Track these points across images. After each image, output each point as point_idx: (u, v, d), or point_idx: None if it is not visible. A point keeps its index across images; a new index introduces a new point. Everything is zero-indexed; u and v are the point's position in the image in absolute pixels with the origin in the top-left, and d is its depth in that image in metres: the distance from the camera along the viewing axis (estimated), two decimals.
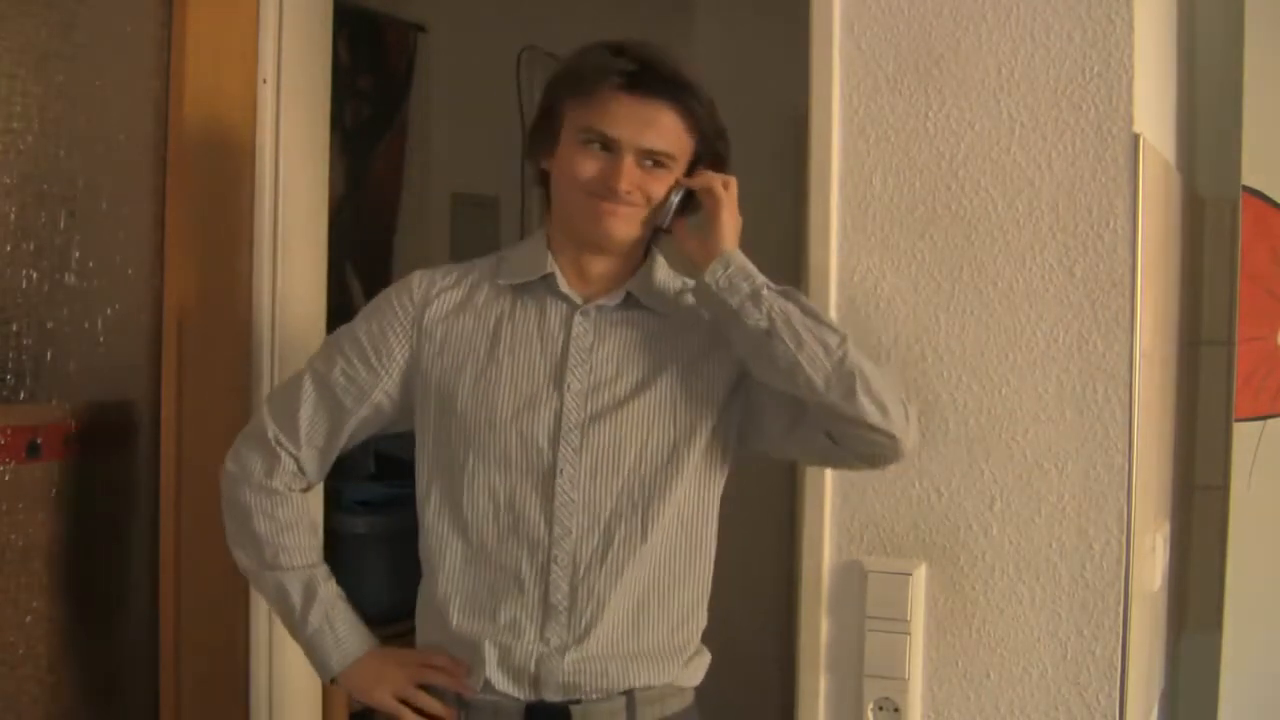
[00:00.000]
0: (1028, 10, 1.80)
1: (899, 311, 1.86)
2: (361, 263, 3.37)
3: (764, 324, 1.63)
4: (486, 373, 1.70)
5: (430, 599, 1.74)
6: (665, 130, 1.67)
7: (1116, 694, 1.77)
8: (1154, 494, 2.01)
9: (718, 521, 1.76)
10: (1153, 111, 1.94)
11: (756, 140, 3.49)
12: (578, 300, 1.72)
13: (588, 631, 1.67)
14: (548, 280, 1.73)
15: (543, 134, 1.73)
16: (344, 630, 1.76)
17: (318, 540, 1.84)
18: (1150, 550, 1.99)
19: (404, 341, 1.74)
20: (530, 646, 1.67)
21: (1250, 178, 2.28)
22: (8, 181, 1.87)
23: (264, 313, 2.17)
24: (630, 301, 1.74)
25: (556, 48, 3.38)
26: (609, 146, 1.66)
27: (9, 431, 1.87)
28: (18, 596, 1.90)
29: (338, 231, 2.41)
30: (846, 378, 1.61)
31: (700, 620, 1.77)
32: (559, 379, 1.70)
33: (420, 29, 3.56)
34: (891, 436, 1.64)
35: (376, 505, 2.62)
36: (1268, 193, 2.27)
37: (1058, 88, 1.79)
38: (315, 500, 2.17)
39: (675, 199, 1.69)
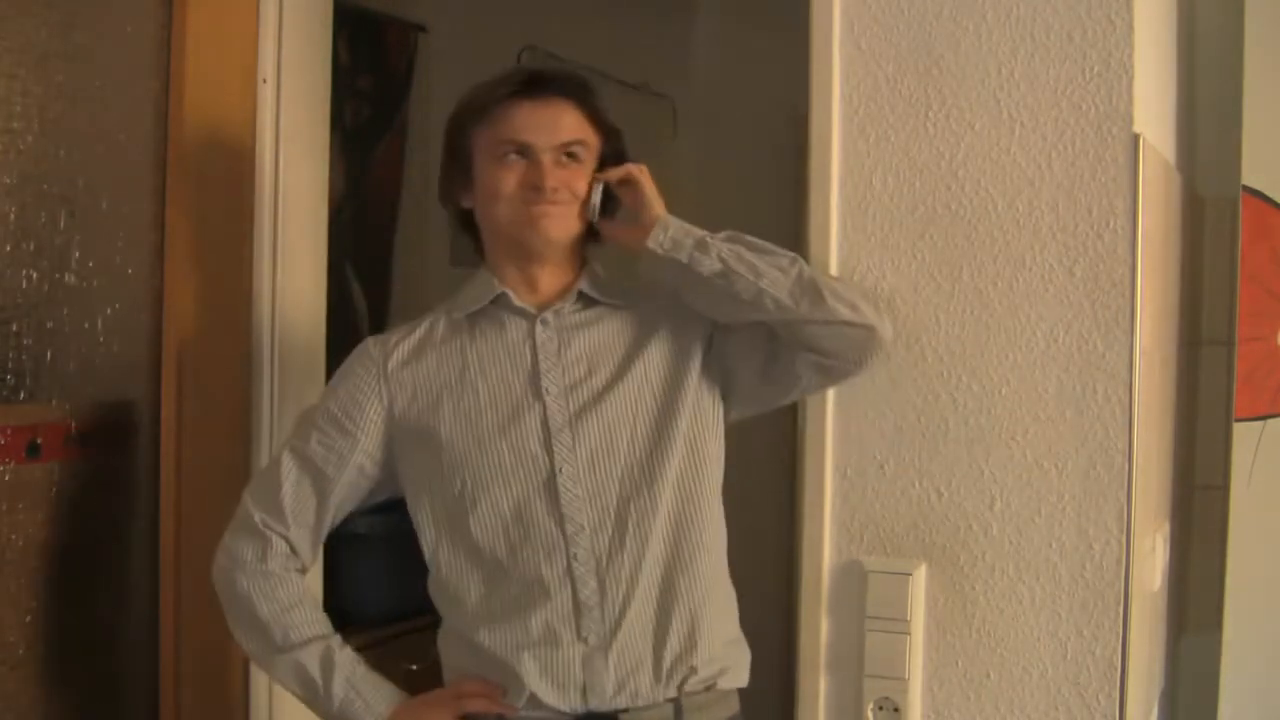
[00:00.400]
0: (1028, 10, 1.80)
1: (899, 311, 1.85)
2: (361, 263, 3.37)
3: (717, 265, 1.70)
4: (464, 399, 1.74)
5: (458, 634, 1.74)
6: (571, 123, 1.73)
7: (1116, 694, 1.77)
8: (1154, 494, 2.01)
9: (721, 474, 1.79)
10: (1153, 111, 1.94)
11: (757, 140, 3.50)
12: (533, 311, 1.77)
13: (621, 618, 1.69)
14: (500, 301, 1.77)
15: (455, 174, 1.79)
16: (370, 693, 1.74)
17: (323, 615, 1.81)
18: (1150, 550, 1.99)
19: (374, 399, 1.77)
20: (571, 650, 1.68)
21: (1250, 178, 2.27)
22: (8, 181, 1.87)
23: (264, 313, 2.17)
24: (584, 300, 1.79)
25: (556, 48, 3.38)
26: (524, 153, 1.72)
27: (9, 431, 1.87)
28: (18, 596, 1.90)
29: (338, 231, 2.41)
30: (809, 286, 1.70)
31: (731, 599, 1.80)
32: (536, 387, 1.73)
33: (420, 29, 3.56)
34: (868, 326, 1.71)
35: (377, 505, 2.62)
36: (1268, 193, 2.27)
37: (1058, 88, 1.79)
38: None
39: (597, 193, 1.75)
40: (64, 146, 1.96)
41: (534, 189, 1.70)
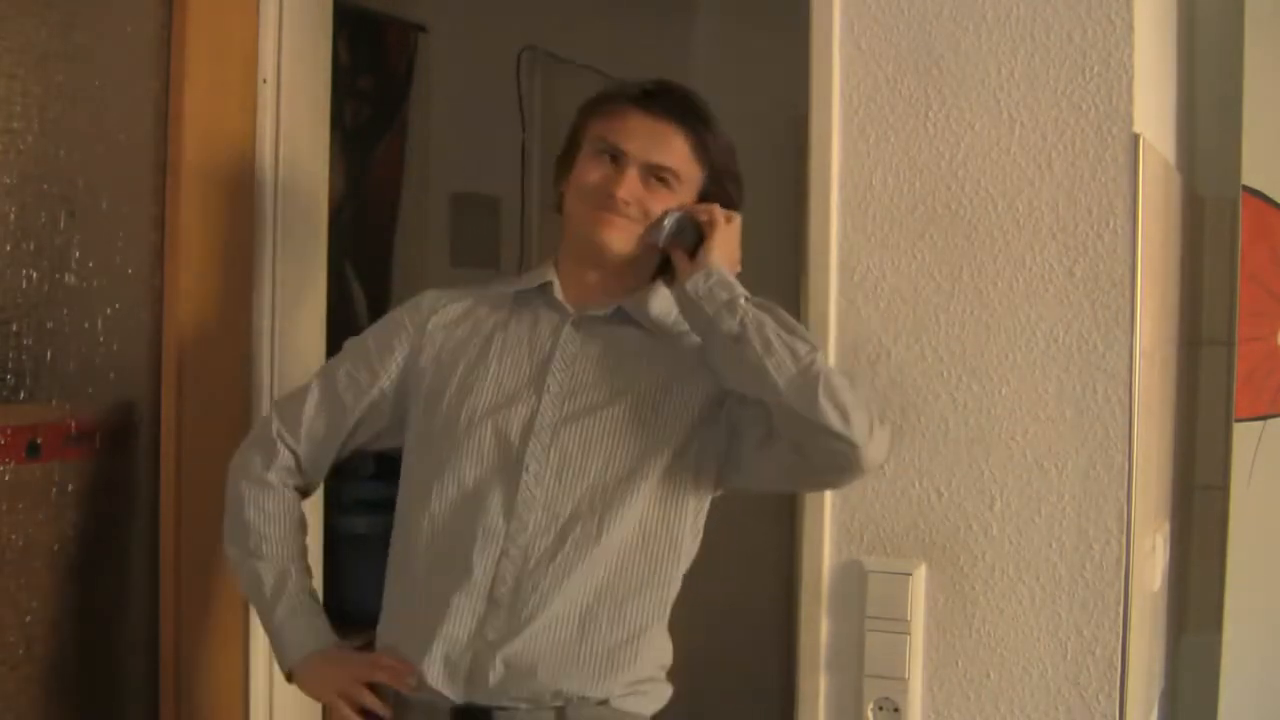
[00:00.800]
0: (1028, 10, 1.80)
1: (899, 311, 1.86)
2: (361, 263, 3.37)
3: (735, 329, 1.66)
4: (474, 372, 1.77)
5: (392, 591, 1.79)
6: (673, 150, 1.74)
7: (1116, 694, 1.77)
8: (1154, 494, 2.01)
9: (694, 549, 1.77)
10: (1153, 111, 1.94)
11: (756, 140, 3.50)
12: (569, 310, 1.77)
13: (525, 626, 1.68)
14: (544, 290, 1.79)
15: (565, 158, 1.81)
16: (304, 628, 1.80)
17: (302, 538, 1.87)
18: (1150, 550, 1.99)
19: (405, 344, 1.82)
20: (465, 637, 1.68)
21: (1250, 178, 2.28)
22: (8, 181, 1.87)
23: (264, 313, 2.17)
24: (620, 315, 1.78)
25: (556, 48, 3.38)
26: (617, 158, 1.72)
27: (9, 431, 1.87)
28: (18, 596, 1.90)
29: (338, 231, 2.42)
30: (810, 382, 1.61)
31: (658, 649, 1.76)
32: (539, 381, 1.74)
33: (420, 29, 3.55)
34: (852, 444, 1.61)
35: (376, 505, 2.62)
36: (1268, 193, 2.27)
37: (1058, 88, 1.79)
38: (313, 505, 2.17)
39: (671, 220, 1.73)
40: (64, 146, 1.96)
41: (607, 194, 1.71)
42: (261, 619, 1.85)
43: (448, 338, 1.81)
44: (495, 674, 1.67)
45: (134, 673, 2.09)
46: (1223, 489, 2.30)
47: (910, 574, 1.84)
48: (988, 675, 1.83)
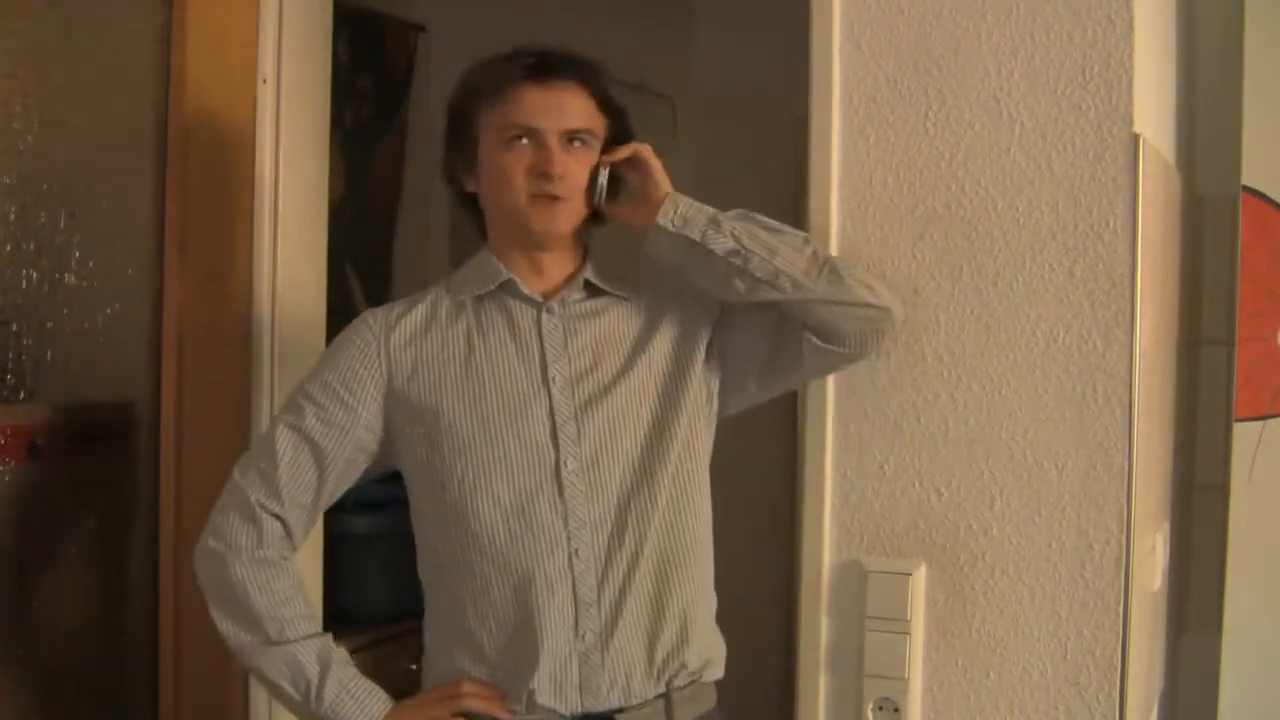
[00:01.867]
0: (1028, 10, 1.80)
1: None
2: (361, 263, 3.37)
3: (730, 244, 1.68)
4: (469, 384, 1.71)
5: (450, 619, 1.72)
6: (579, 109, 1.71)
7: (1116, 694, 1.77)
8: (1154, 494, 2.01)
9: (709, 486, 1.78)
10: (1153, 111, 1.94)
11: (757, 140, 3.50)
12: (539, 300, 1.75)
13: (617, 615, 1.68)
14: (507, 286, 1.75)
15: (459, 155, 1.76)
16: (364, 695, 1.69)
17: (315, 609, 1.79)
18: (1150, 550, 1.99)
19: (373, 370, 1.73)
20: (569, 648, 1.67)
21: (1250, 178, 2.28)
22: (8, 181, 1.87)
23: (264, 313, 2.18)
24: (591, 290, 1.77)
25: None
26: (530, 138, 1.69)
27: (9, 431, 1.87)
28: (17, 596, 1.90)
29: (338, 231, 2.41)
30: (826, 265, 1.69)
31: (713, 595, 1.79)
32: (543, 377, 1.72)
33: (420, 29, 3.56)
34: (884, 308, 1.71)
35: (376, 505, 2.62)
36: (1268, 193, 2.27)
37: (1058, 88, 1.79)
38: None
39: (604, 176, 1.73)
40: (64, 146, 1.96)
41: (541, 175, 1.68)
42: (305, 706, 1.69)
43: (418, 352, 1.73)
44: (606, 673, 1.67)
45: (134, 673, 2.09)
46: (1223, 489, 2.30)
47: (910, 574, 1.84)
48: (988, 675, 1.83)
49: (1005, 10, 1.81)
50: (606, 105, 1.74)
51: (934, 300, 1.84)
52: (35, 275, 1.92)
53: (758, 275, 1.68)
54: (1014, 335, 1.81)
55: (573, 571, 1.68)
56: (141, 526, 2.10)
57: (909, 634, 1.84)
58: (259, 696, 2.16)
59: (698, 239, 1.69)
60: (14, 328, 1.89)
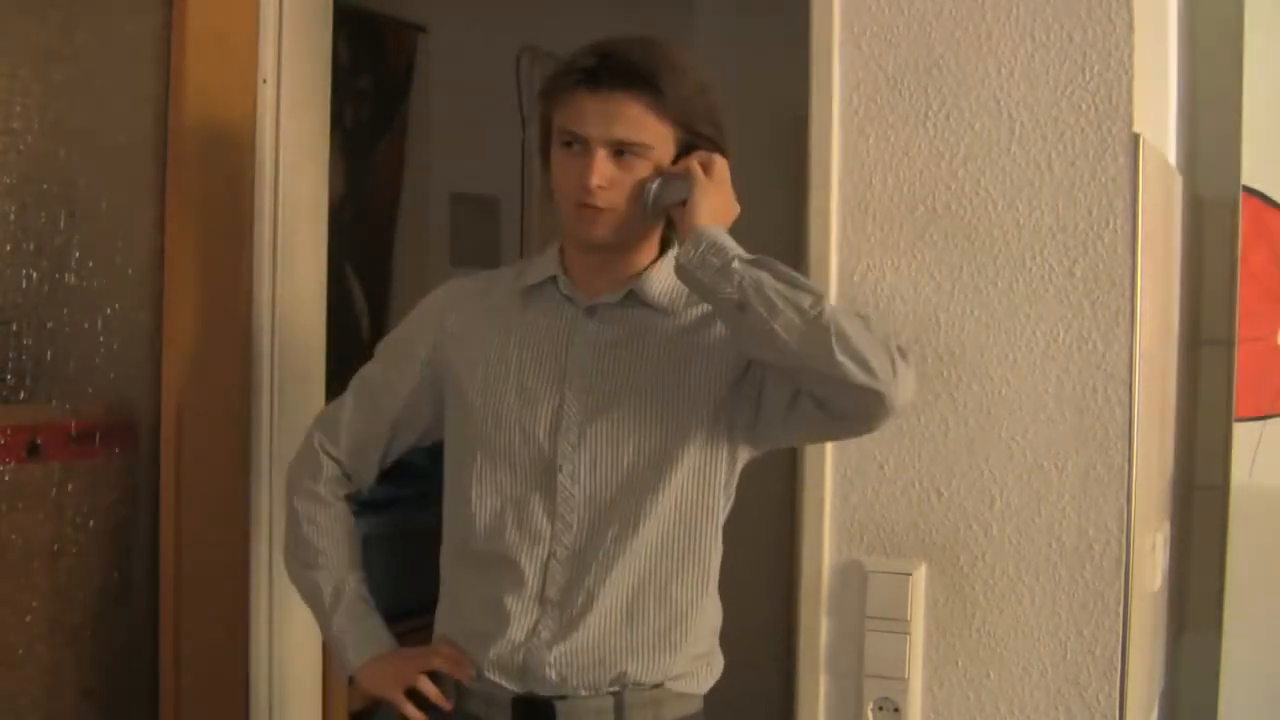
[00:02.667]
0: (1028, 10, 1.80)
1: (899, 311, 1.86)
2: (361, 263, 3.37)
3: (735, 295, 1.61)
4: (495, 370, 1.74)
5: (447, 592, 1.80)
6: (632, 120, 1.65)
7: (1116, 694, 1.77)
8: (1154, 494, 2.01)
9: (728, 508, 1.75)
10: (1153, 111, 1.94)
11: (756, 140, 3.50)
12: (581, 300, 1.74)
13: (577, 623, 1.68)
14: (555, 281, 1.76)
15: (545, 149, 1.76)
16: (362, 637, 1.82)
17: (356, 547, 1.87)
18: (1150, 550, 1.99)
19: (428, 339, 1.81)
20: (520, 639, 1.69)
21: (1250, 178, 2.28)
22: (8, 181, 1.87)
23: (264, 313, 2.17)
24: (632, 299, 1.74)
25: (556, 48, 3.37)
26: (581, 144, 1.67)
27: (9, 431, 1.87)
28: (18, 596, 1.90)
29: (338, 231, 2.41)
30: (822, 337, 1.58)
31: (708, 620, 1.76)
32: (562, 377, 1.72)
33: (420, 29, 3.56)
34: (877, 392, 1.58)
35: (379, 505, 2.62)
36: (1268, 193, 2.27)
37: (1058, 88, 1.79)
38: None
39: (653, 185, 1.68)
40: (64, 146, 1.96)
41: (580, 187, 1.66)
42: (321, 628, 1.87)
43: (465, 331, 1.79)
44: (551, 669, 1.68)
45: (134, 673, 2.09)
46: (1223, 489, 2.30)
47: (910, 574, 1.84)
48: (988, 675, 1.83)
49: (1005, 10, 1.81)
50: (670, 114, 1.67)
51: (934, 300, 1.84)
52: (35, 275, 1.92)
53: (756, 333, 1.62)
54: (1014, 335, 1.81)
55: (546, 572, 1.69)
56: (141, 526, 2.10)
57: (909, 634, 1.84)
58: (259, 697, 2.16)
59: (707, 284, 1.64)
60: (14, 328, 1.89)
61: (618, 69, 1.66)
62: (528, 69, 3.59)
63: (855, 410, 1.63)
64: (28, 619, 1.92)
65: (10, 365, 1.89)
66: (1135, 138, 1.76)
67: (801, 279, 1.65)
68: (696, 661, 1.74)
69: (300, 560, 1.85)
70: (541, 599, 1.69)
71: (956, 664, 1.84)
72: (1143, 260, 1.77)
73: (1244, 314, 2.30)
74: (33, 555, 1.92)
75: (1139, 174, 1.76)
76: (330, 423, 1.86)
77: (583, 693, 1.69)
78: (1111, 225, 1.78)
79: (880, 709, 1.85)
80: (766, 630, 3.29)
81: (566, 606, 1.69)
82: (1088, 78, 1.78)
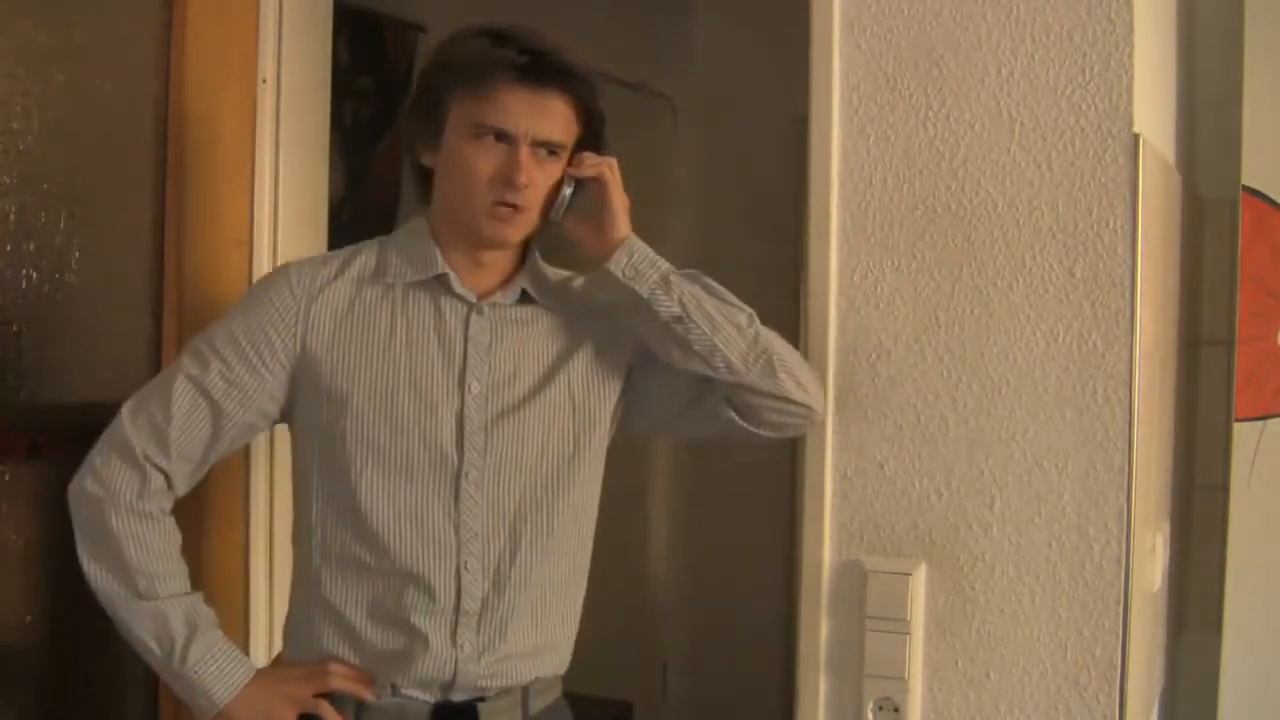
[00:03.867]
0: (1028, 10, 1.80)
1: (899, 311, 1.86)
2: None
3: (676, 310, 1.64)
4: (384, 372, 1.65)
5: (324, 608, 1.68)
6: (558, 119, 1.64)
7: (1116, 694, 1.77)
8: (1154, 494, 2.01)
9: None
10: (1153, 111, 1.94)
11: (756, 141, 3.50)
12: (473, 299, 1.70)
13: (500, 634, 1.67)
14: (441, 279, 1.69)
15: (425, 126, 1.68)
16: (225, 660, 1.65)
17: (186, 567, 1.70)
18: (1150, 550, 1.99)
19: (288, 338, 1.66)
20: (445, 655, 1.65)
21: (1250, 178, 2.28)
22: (8, 181, 1.87)
23: None
24: (524, 298, 1.73)
25: None
26: (503, 139, 1.62)
27: (9, 431, 1.87)
28: (18, 596, 1.90)
29: (338, 231, 2.42)
30: (763, 356, 1.67)
31: (579, 611, 1.79)
32: (460, 380, 1.67)
33: (420, 29, 3.56)
34: (808, 408, 1.73)
35: None
36: (1268, 193, 2.27)
37: (1058, 88, 1.79)
38: None
39: (568, 192, 1.67)
40: (64, 146, 1.96)
41: (506, 183, 1.61)
42: (165, 667, 1.65)
43: (338, 328, 1.66)
44: (478, 678, 1.67)
45: (134, 673, 2.09)
46: (1223, 489, 2.30)
47: (910, 574, 1.84)
48: (988, 675, 1.83)
49: (1005, 10, 1.82)
50: (585, 116, 1.67)
51: (934, 300, 1.84)
52: (35, 275, 1.92)
53: (695, 348, 1.66)
54: (1014, 335, 1.81)
55: (459, 582, 1.66)
56: None
57: (909, 634, 1.84)
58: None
59: (645, 296, 1.65)
60: (14, 328, 1.89)
61: (550, 66, 1.62)
62: None
63: (785, 422, 1.73)
64: (28, 619, 1.91)
65: (10, 365, 1.89)
66: (1135, 138, 1.77)
67: (730, 295, 1.70)
68: (570, 641, 1.78)
69: (130, 590, 1.63)
70: (458, 611, 1.65)
71: (956, 664, 1.84)
72: (1143, 260, 1.77)
73: (1244, 314, 2.30)
74: (33, 555, 1.92)
75: (1139, 174, 1.76)
76: (154, 431, 1.64)
77: (495, 691, 1.69)
78: (1111, 225, 1.78)
79: (880, 709, 1.85)
80: (766, 630, 3.30)
81: (487, 616, 1.66)
82: (1088, 78, 1.78)
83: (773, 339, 1.69)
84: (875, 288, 1.87)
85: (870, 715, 1.86)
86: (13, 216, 1.88)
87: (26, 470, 1.89)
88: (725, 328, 1.65)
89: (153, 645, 1.65)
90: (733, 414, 1.72)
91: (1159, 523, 2.12)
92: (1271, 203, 2.27)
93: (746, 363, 1.66)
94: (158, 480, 1.66)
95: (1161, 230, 1.98)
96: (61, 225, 1.95)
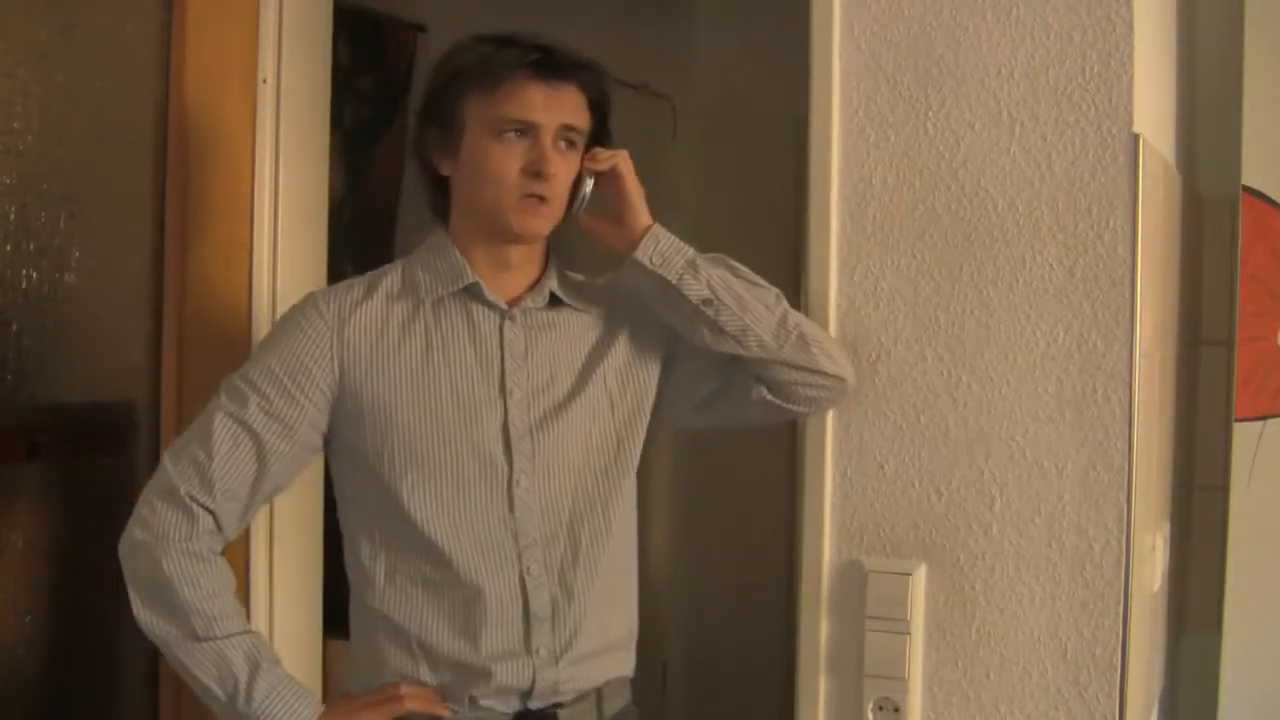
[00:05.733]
0: (1028, 10, 1.80)
1: (899, 311, 1.86)
2: (361, 263, 3.36)
3: (705, 292, 1.67)
4: (425, 387, 1.65)
5: (391, 631, 1.67)
6: (576, 108, 1.66)
7: (1116, 694, 1.77)
8: (1154, 494, 2.01)
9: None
10: (1153, 111, 1.94)
11: (757, 140, 3.50)
12: (503, 307, 1.70)
13: (575, 636, 1.68)
14: (471, 289, 1.69)
15: (438, 135, 1.69)
16: (292, 697, 1.61)
17: (241, 607, 1.68)
18: (1150, 550, 1.99)
19: (324, 364, 1.65)
20: (521, 661, 1.66)
21: (1250, 178, 2.27)
22: (8, 181, 1.87)
23: (264, 313, 2.17)
24: (552, 301, 1.74)
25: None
26: (525, 133, 1.63)
27: (9, 431, 1.87)
28: (17, 596, 1.90)
29: (338, 231, 2.42)
30: (794, 331, 1.70)
31: (636, 606, 1.81)
32: (501, 388, 1.67)
33: (420, 29, 3.56)
34: (841, 379, 1.75)
35: None
36: (1268, 193, 2.27)
37: (1058, 88, 1.79)
38: (313, 505, 2.17)
39: (588, 186, 1.69)
40: (64, 146, 1.96)
41: (534, 174, 1.62)
42: (231, 706, 1.60)
43: (374, 349, 1.66)
44: (556, 682, 1.67)
45: (134, 673, 2.09)
46: (1223, 489, 2.30)
47: (910, 574, 1.84)
48: (988, 675, 1.83)
49: (1005, 10, 1.82)
50: (595, 106, 1.69)
51: (934, 300, 1.84)
52: (35, 275, 1.92)
53: (726, 329, 1.67)
54: (1014, 335, 1.81)
55: (525, 589, 1.66)
56: None
57: (909, 634, 1.84)
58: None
59: (673, 281, 1.66)
60: (14, 328, 1.89)
61: (564, 60, 1.66)
62: None
63: (819, 396, 1.75)
64: (28, 619, 1.91)
65: (10, 365, 1.89)
66: (1135, 138, 1.77)
67: (756, 276, 1.73)
68: (633, 642, 1.80)
69: (186, 632, 1.60)
70: (528, 617, 1.65)
71: (956, 664, 1.84)
72: (1142, 260, 1.77)
73: (1244, 314, 2.30)
74: (33, 555, 1.92)
75: (1139, 174, 1.76)
76: (196, 471, 1.62)
77: (571, 696, 1.69)
78: (1111, 225, 1.78)
79: (880, 709, 1.85)
80: (766, 630, 3.30)
81: (559, 620, 1.67)
82: (1088, 78, 1.78)
83: (800, 316, 1.74)
84: (875, 288, 1.87)
85: (870, 715, 1.86)
86: (13, 216, 1.88)
87: (26, 470, 1.90)
88: (755, 307, 1.68)
89: (215, 688, 1.60)
90: (765, 392, 1.72)
91: (1159, 523, 2.12)
92: (1271, 203, 2.27)
93: (778, 340, 1.68)
94: (206, 520, 1.63)
95: (1161, 230, 1.98)
96: (61, 225, 1.96)
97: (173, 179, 2.09)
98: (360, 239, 3.38)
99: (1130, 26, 1.76)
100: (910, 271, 1.86)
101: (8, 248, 1.88)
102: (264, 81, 2.16)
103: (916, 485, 1.86)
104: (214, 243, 2.13)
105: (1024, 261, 1.81)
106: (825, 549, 1.90)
